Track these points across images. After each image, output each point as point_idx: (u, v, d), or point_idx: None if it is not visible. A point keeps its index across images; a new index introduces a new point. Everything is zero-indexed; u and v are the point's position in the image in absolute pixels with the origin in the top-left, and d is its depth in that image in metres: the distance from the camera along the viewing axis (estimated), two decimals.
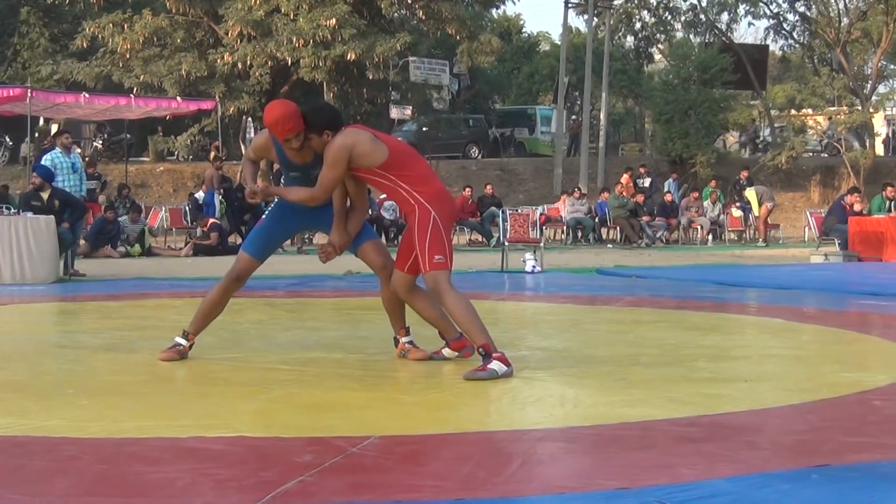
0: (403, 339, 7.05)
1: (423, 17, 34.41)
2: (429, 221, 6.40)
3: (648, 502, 3.62)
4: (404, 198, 6.47)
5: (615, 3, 44.66)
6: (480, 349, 6.24)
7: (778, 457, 4.42)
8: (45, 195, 14.72)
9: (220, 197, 23.32)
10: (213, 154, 27.27)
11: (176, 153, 39.47)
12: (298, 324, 9.54)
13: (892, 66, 56.43)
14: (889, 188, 23.63)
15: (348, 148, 6.34)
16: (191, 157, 39.00)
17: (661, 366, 6.80)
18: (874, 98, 38.63)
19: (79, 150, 22.16)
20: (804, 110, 43.08)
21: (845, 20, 42.74)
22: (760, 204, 27.61)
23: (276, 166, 28.45)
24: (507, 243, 17.87)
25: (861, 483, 3.88)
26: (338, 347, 7.55)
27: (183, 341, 6.91)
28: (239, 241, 23.43)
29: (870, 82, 41.55)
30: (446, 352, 6.90)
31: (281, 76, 32.29)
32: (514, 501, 3.73)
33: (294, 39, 29.82)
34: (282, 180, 7.14)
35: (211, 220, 21.74)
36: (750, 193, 28.31)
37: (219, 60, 30.55)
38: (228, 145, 37.37)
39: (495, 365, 6.09)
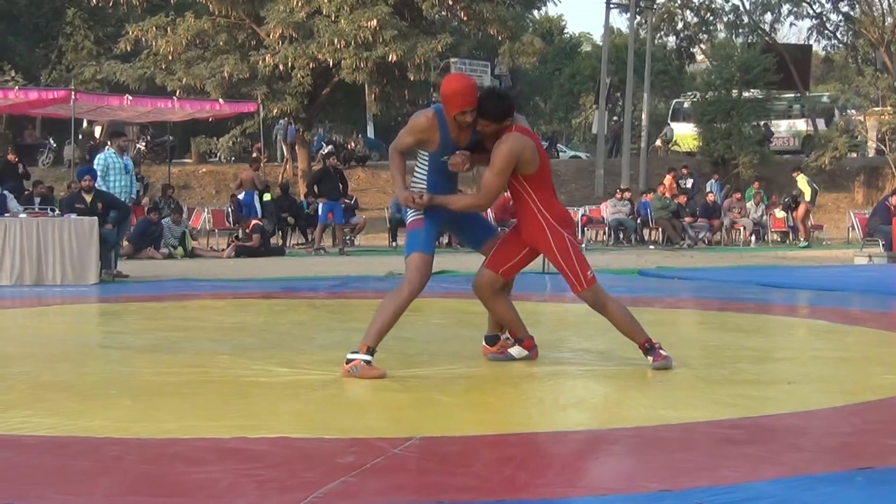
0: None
1: (465, 18, 34.35)
2: (566, 243, 6.62)
3: None
4: (532, 212, 6.64)
5: (657, 2, 44.49)
6: (646, 344, 6.53)
7: (821, 459, 4.39)
8: (88, 197, 14.83)
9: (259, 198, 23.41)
10: (254, 155, 27.39)
11: (218, 155, 39.68)
12: (340, 325, 9.56)
13: None
14: None
15: (517, 154, 6.39)
16: (233, 158, 39.19)
17: (703, 367, 6.77)
18: None
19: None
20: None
21: (889, 19, 42.41)
22: (813, 193, 27.49)
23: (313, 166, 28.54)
24: None
25: None
26: (379, 348, 7.54)
27: (366, 357, 6.32)
28: (280, 242, 23.57)
29: None
30: (515, 350, 6.93)
31: (322, 78, 32.36)
32: (556, 503, 3.72)
33: (335, 41, 29.87)
34: (421, 170, 6.81)
35: (253, 222, 21.83)
36: (801, 180, 28.11)
37: (260, 62, 30.65)
38: (270, 147, 37.56)
39: (664, 352, 6.48)
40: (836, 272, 16.57)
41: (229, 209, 25.07)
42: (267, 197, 23.78)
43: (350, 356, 6.23)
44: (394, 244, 25.00)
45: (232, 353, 7.22)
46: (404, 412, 5.27)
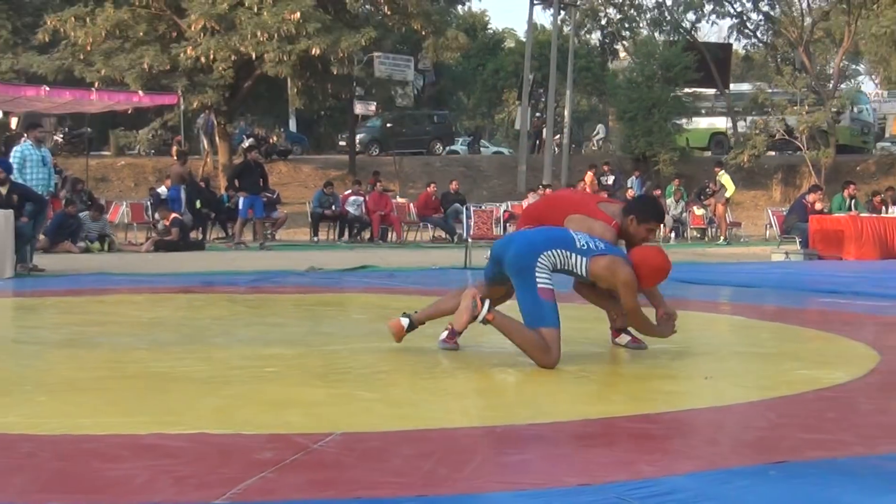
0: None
1: (389, 13, 34.37)
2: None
3: (609, 499, 3.63)
4: None
5: None
6: None
7: (737, 453, 4.43)
8: (3, 189, 14.60)
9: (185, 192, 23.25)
10: (175, 149, 27.16)
11: (137, 148, 39.29)
12: (260, 320, 9.50)
13: (853, 66, 56.92)
14: (851, 186, 23.85)
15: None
16: (152, 151, 38.84)
17: (622, 362, 6.83)
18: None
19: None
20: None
21: (808, 20, 43.01)
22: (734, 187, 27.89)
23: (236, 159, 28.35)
24: (470, 240, 17.89)
25: (818, 479, 3.90)
26: (299, 343, 7.52)
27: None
28: (201, 236, 23.39)
29: (832, 82, 41.78)
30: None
31: (244, 70, 32.18)
32: (476, 498, 3.72)
33: (258, 33, 29.72)
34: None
35: (173, 215, 21.62)
36: (724, 177, 28.43)
37: (181, 54, 30.41)
38: (191, 140, 37.27)
39: None
40: (753, 269, 16.77)
41: (148, 203, 24.84)
42: (198, 204, 23.54)
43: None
44: (315, 239, 24.95)
45: (150, 348, 7.15)
46: (324, 408, 5.25)
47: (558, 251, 6.39)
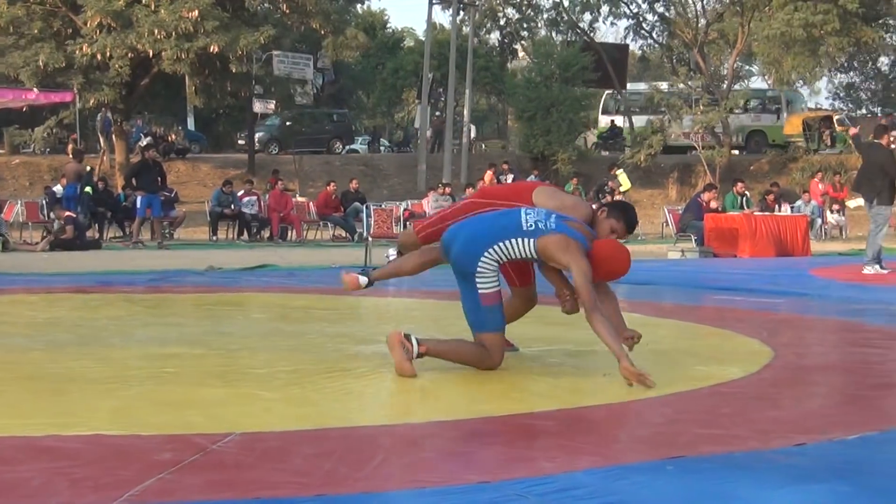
0: None
1: (287, 11, 34.22)
2: None
3: (508, 496, 3.66)
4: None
5: None
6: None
7: (635, 449, 4.50)
8: None
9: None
10: (70, 147, 26.77)
11: (32, 146, 38.64)
12: (158, 320, 9.41)
13: (747, 67, 57.84)
14: (739, 184, 24.30)
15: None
16: (48, 149, 38.23)
17: (522, 359, 6.86)
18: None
19: None
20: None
21: (702, 21, 43.63)
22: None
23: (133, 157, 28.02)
24: (370, 239, 17.87)
25: (714, 474, 3.97)
26: (198, 343, 7.46)
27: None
28: (97, 235, 23.07)
29: (726, 82, 42.41)
30: None
31: (142, 68, 31.82)
32: (376, 497, 3.73)
33: (155, 31, 29.42)
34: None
35: (66, 214, 21.27)
36: (621, 175, 28.70)
37: (77, 52, 29.97)
38: (87, 138, 36.73)
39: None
40: (649, 266, 16.96)
41: (44, 201, 24.44)
42: (88, 189, 23.26)
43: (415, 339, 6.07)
44: (214, 238, 24.74)
45: (45, 349, 7.04)
46: (223, 408, 5.21)
47: (501, 244, 6.05)
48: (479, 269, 6.08)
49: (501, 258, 6.11)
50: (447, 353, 6.21)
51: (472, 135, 45.93)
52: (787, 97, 42.12)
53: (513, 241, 6.04)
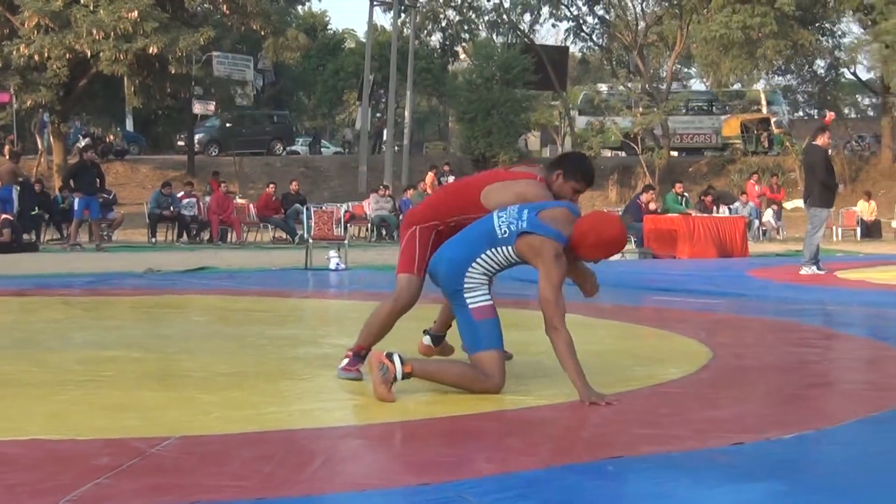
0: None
1: (227, 12, 34.07)
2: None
3: (448, 497, 3.66)
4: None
5: (420, 0, 44.94)
6: (361, 351, 6.14)
7: (575, 450, 4.51)
8: None
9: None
10: (7, 148, 26.47)
11: None
12: (96, 323, 9.33)
13: (685, 70, 58.31)
14: (678, 185, 24.54)
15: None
16: None
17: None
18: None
19: None
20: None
21: (642, 24, 43.93)
22: None
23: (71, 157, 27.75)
24: (311, 241, 17.81)
25: (653, 473, 3.99)
26: (137, 346, 7.40)
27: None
28: (34, 238, 22.83)
29: (665, 84, 42.73)
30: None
31: (80, 69, 31.54)
32: (316, 500, 3.72)
33: (94, 31, 29.18)
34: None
35: (3, 216, 21.02)
36: None
37: (14, 52, 29.65)
38: (24, 139, 36.35)
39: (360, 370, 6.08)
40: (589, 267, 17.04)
41: None
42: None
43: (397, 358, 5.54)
44: (153, 240, 24.56)
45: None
46: (162, 411, 5.18)
47: (482, 257, 5.70)
48: (465, 285, 5.71)
49: (488, 269, 5.75)
50: (436, 374, 5.73)
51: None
52: (767, 97, 42.38)
53: (492, 251, 5.70)
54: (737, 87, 44.80)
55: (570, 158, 6.35)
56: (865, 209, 31.31)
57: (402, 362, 5.52)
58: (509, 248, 5.66)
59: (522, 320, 9.72)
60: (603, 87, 42.59)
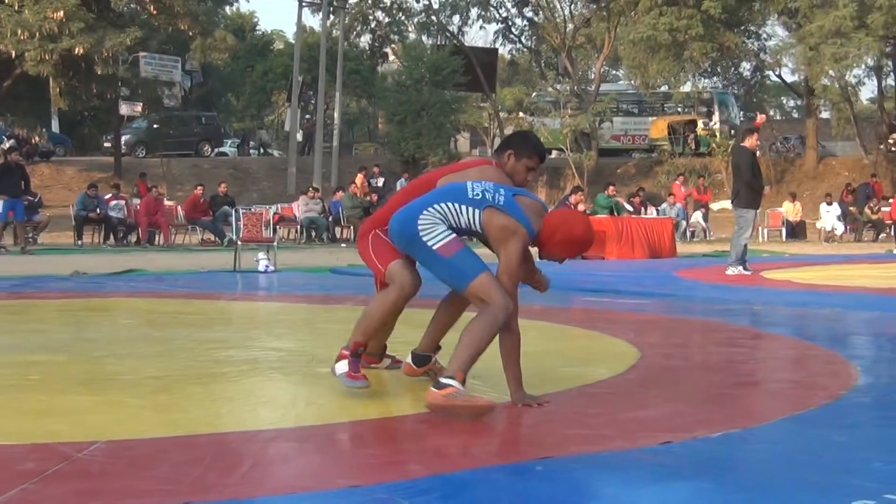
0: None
1: (155, 12, 33.79)
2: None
3: (378, 499, 3.66)
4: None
5: (350, 2, 44.86)
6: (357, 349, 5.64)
7: (504, 450, 4.53)
8: None
9: None
10: None
11: None
12: (21, 326, 9.21)
13: (613, 72, 58.70)
14: (611, 187, 24.73)
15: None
16: None
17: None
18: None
19: None
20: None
21: (570, 26, 44.16)
22: None
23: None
24: (240, 243, 17.72)
25: (582, 473, 4.02)
26: (63, 350, 7.32)
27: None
28: None
29: (593, 86, 42.98)
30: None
31: (4, 69, 31.15)
32: (245, 503, 3.70)
33: (19, 31, 28.82)
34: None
35: None
36: None
37: None
38: None
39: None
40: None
41: None
42: None
43: (445, 381, 5.04)
44: (79, 242, 24.32)
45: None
46: (89, 415, 5.13)
47: (441, 205, 5.28)
48: (420, 229, 5.26)
49: (442, 218, 5.27)
50: (471, 351, 5.18)
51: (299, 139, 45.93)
52: (718, 99, 42.62)
53: (455, 205, 5.28)
54: (686, 88, 45.01)
55: (516, 137, 6.13)
56: (791, 210, 31.71)
57: (449, 378, 5.03)
58: (476, 211, 5.26)
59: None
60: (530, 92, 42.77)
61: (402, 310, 5.78)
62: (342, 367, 5.55)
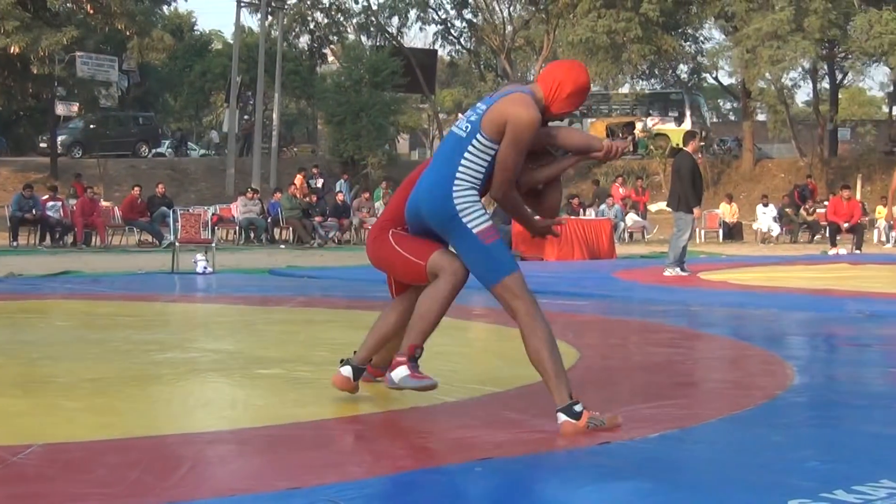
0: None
1: (91, 11, 33.49)
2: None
3: (318, 501, 3.65)
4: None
5: (288, 2, 44.70)
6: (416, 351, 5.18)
7: (444, 451, 4.53)
8: None
9: None
10: None
11: None
12: None
13: None
14: None
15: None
16: None
17: (332, 365, 6.82)
18: None
19: None
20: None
21: (509, 28, 44.28)
22: None
23: None
24: (177, 244, 17.60)
25: (522, 474, 4.04)
26: (16, 356, 7.23)
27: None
28: None
29: None
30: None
31: None
32: None
33: None
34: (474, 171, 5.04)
35: None
36: None
37: None
38: None
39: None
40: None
41: None
42: None
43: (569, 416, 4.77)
44: (14, 244, 24.03)
45: None
46: (24, 418, 5.07)
47: (463, 163, 4.95)
48: (458, 205, 4.94)
49: (473, 179, 4.96)
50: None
51: (216, 140, 45.75)
52: (689, 100, 42.70)
53: (466, 154, 4.95)
54: (625, 89, 45.08)
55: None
56: (727, 211, 32.00)
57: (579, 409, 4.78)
58: (478, 135, 4.92)
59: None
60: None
61: (456, 296, 5.30)
62: (401, 372, 5.07)
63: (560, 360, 4.92)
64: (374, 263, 5.58)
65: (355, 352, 5.58)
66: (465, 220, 4.93)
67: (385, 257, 5.42)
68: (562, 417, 4.71)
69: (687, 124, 41.29)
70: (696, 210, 15.23)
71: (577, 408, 4.73)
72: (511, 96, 4.94)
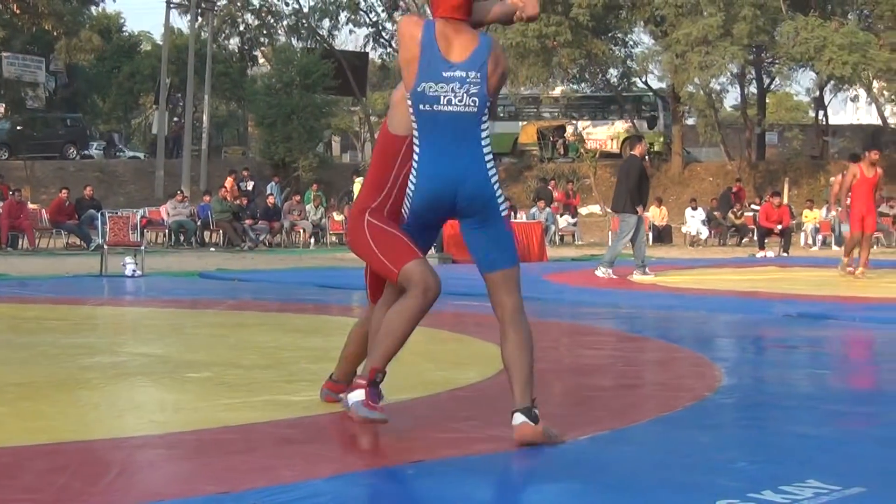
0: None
1: (18, 11, 33.12)
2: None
3: None
4: None
5: (218, 4, 44.42)
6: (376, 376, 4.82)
7: (375, 454, 4.54)
8: None
9: None
10: None
11: None
12: None
13: None
14: None
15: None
16: None
17: (262, 369, 6.83)
18: None
19: None
20: None
21: None
22: None
23: None
24: (106, 246, 17.42)
25: (453, 477, 4.04)
26: None
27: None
28: None
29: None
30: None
31: None
32: None
33: None
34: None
35: None
36: (357, 184, 28.94)
37: None
38: None
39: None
40: None
41: None
42: None
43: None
44: None
45: None
46: None
47: (483, 141, 4.74)
48: (494, 185, 4.78)
49: (492, 154, 4.81)
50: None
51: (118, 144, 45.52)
52: (663, 104, 42.67)
53: (484, 128, 4.75)
54: (556, 92, 45.12)
55: None
56: (657, 215, 32.23)
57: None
58: (487, 105, 4.77)
59: (324, 325, 9.73)
60: None
61: (424, 315, 5.03)
62: (357, 396, 4.72)
63: (534, 364, 4.82)
64: (351, 249, 5.25)
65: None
66: (500, 200, 4.81)
67: (360, 248, 5.08)
68: (521, 418, 4.56)
69: (660, 126, 41.48)
70: (639, 209, 15.35)
71: (536, 412, 4.62)
72: (495, 53, 4.94)
